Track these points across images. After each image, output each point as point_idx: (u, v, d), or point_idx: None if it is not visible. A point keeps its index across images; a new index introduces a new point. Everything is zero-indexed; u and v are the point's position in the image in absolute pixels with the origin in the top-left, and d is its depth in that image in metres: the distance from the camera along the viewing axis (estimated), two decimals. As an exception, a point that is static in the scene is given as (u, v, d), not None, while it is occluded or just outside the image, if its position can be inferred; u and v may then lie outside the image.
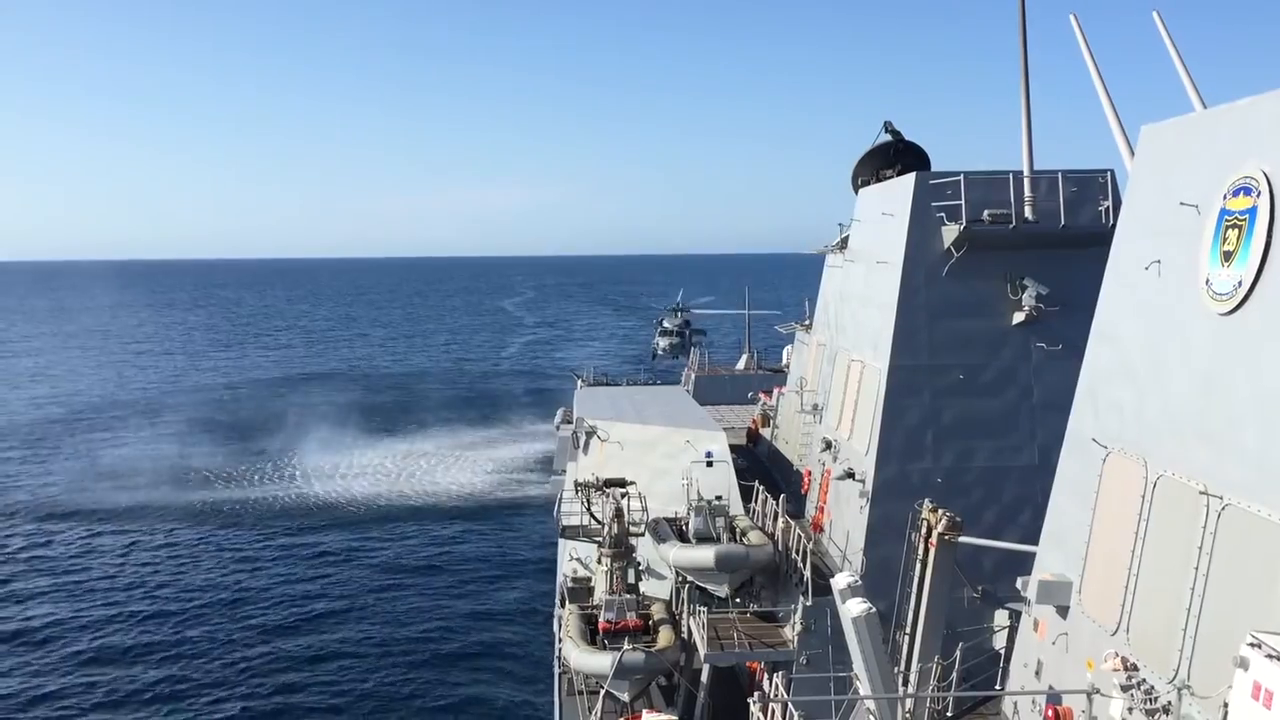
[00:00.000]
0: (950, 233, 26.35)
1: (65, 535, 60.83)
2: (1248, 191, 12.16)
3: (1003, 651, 19.28)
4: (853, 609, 16.21)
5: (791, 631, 25.07)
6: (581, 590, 30.22)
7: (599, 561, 29.50)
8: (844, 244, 34.12)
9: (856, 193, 33.74)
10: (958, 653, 18.77)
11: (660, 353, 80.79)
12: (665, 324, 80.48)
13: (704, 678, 25.66)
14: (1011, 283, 26.45)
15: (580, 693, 26.15)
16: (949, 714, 17.97)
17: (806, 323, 41.27)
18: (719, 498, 30.31)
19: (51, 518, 64.43)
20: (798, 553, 26.59)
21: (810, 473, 33.43)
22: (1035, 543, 17.33)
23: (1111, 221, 24.30)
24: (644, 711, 23.51)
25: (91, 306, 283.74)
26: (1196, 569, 12.43)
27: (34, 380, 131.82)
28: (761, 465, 41.07)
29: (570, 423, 42.32)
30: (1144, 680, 12.91)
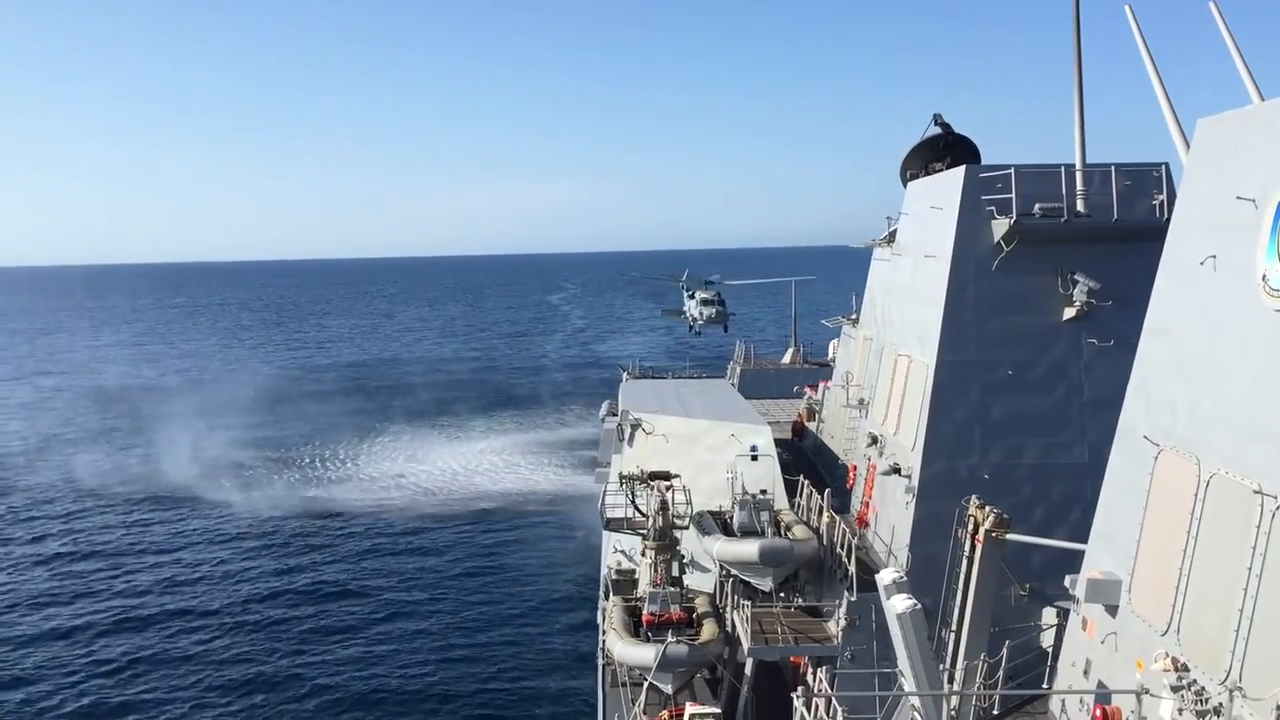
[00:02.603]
0: (1000, 226, 26.09)
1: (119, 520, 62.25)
2: (1307, 185, 11.93)
3: (1050, 650, 19.10)
4: (898, 605, 16.11)
5: (836, 627, 24.99)
6: (626, 582, 30.30)
7: (643, 554, 29.56)
8: (891, 238, 33.89)
9: (905, 186, 33.49)
10: (1004, 651, 18.60)
11: (701, 324, 79.08)
12: (701, 295, 78.67)
13: (748, 671, 25.65)
14: (1062, 277, 26.15)
15: (624, 684, 26.22)
16: (995, 712, 17.81)
17: (854, 317, 41.06)
18: (763, 491, 30.25)
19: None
20: (842, 548, 26.50)
21: (856, 467, 33.28)
22: (1084, 541, 17.15)
23: (1166, 216, 23.96)
24: (687, 704, 23.53)
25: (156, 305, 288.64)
26: (1249, 569, 12.24)
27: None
28: (806, 459, 40.95)
29: (615, 415, 42.44)
30: (1194, 681, 12.73)
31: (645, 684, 25.02)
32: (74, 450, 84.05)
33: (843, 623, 24.64)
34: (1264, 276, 12.60)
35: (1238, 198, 13.31)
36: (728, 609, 27.91)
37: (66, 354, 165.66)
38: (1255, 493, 12.35)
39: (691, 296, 78.83)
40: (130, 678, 40.62)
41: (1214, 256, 13.89)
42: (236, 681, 40.40)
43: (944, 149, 33.64)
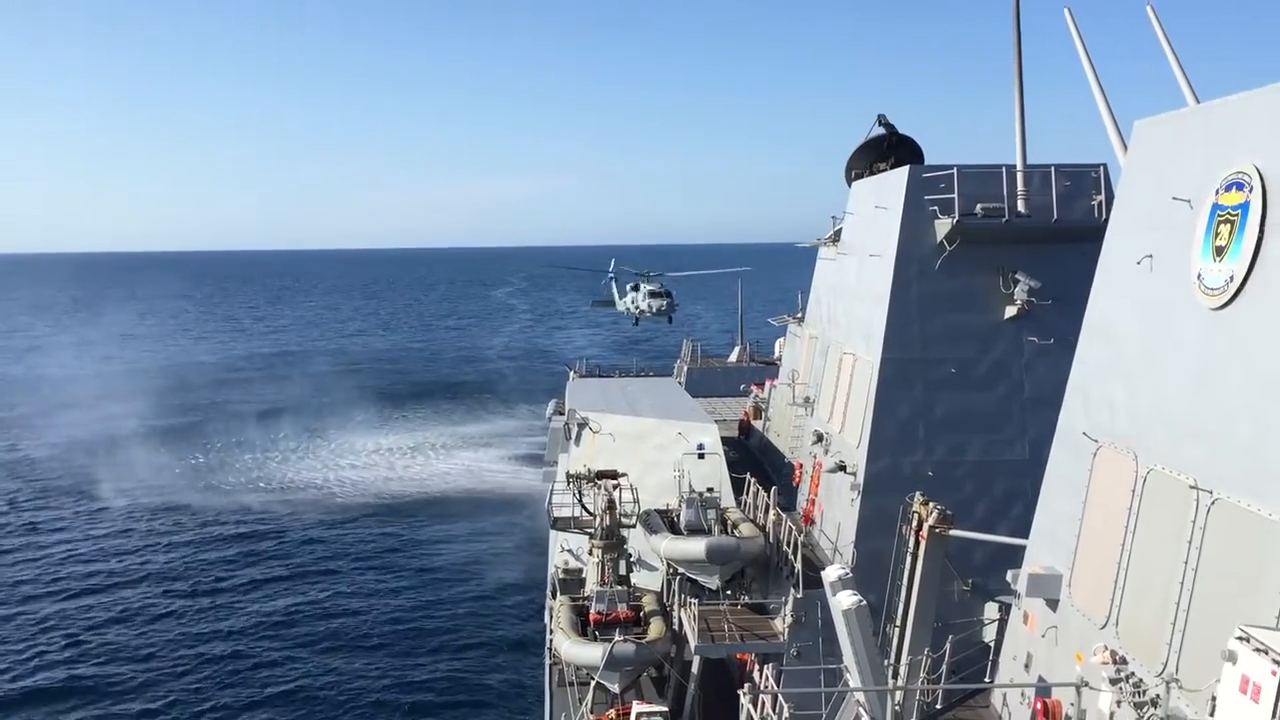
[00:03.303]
0: (943, 226, 26.36)
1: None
2: (1240, 186, 12.17)
3: (993, 644, 19.33)
4: (843, 601, 16.22)
5: (782, 624, 25.13)
6: (573, 582, 30.25)
7: (590, 553, 29.51)
8: (837, 237, 34.12)
9: (850, 185, 33.73)
10: (948, 645, 18.83)
11: (650, 315, 78.77)
12: (649, 287, 78.30)
13: (694, 669, 25.72)
14: (1004, 277, 26.48)
15: (571, 684, 26.17)
16: (938, 706, 18.01)
17: (799, 315, 41.29)
18: (710, 490, 30.32)
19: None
20: (789, 545, 26.63)
21: (802, 465, 33.46)
22: (1026, 536, 17.37)
23: (1104, 216, 24.35)
24: (634, 703, 23.53)
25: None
26: (1186, 563, 12.47)
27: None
28: (753, 457, 41.10)
29: (562, 414, 42.30)
30: (1133, 673, 12.94)
31: (592, 683, 25.00)
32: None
33: (789, 620, 24.79)
34: (1199, 276, 12.83)
35: (1173, 198, 13.55)
36: (675, 607, 27.96)
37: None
38: (1191, 488, 12.59)
39: (636, 289, 78.40)
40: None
41: (1150, 256, 14.13)
42: (161, 680, 39.85)
43: (888, 149, 33.94)
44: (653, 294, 77.13)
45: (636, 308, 78.09)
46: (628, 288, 79.49)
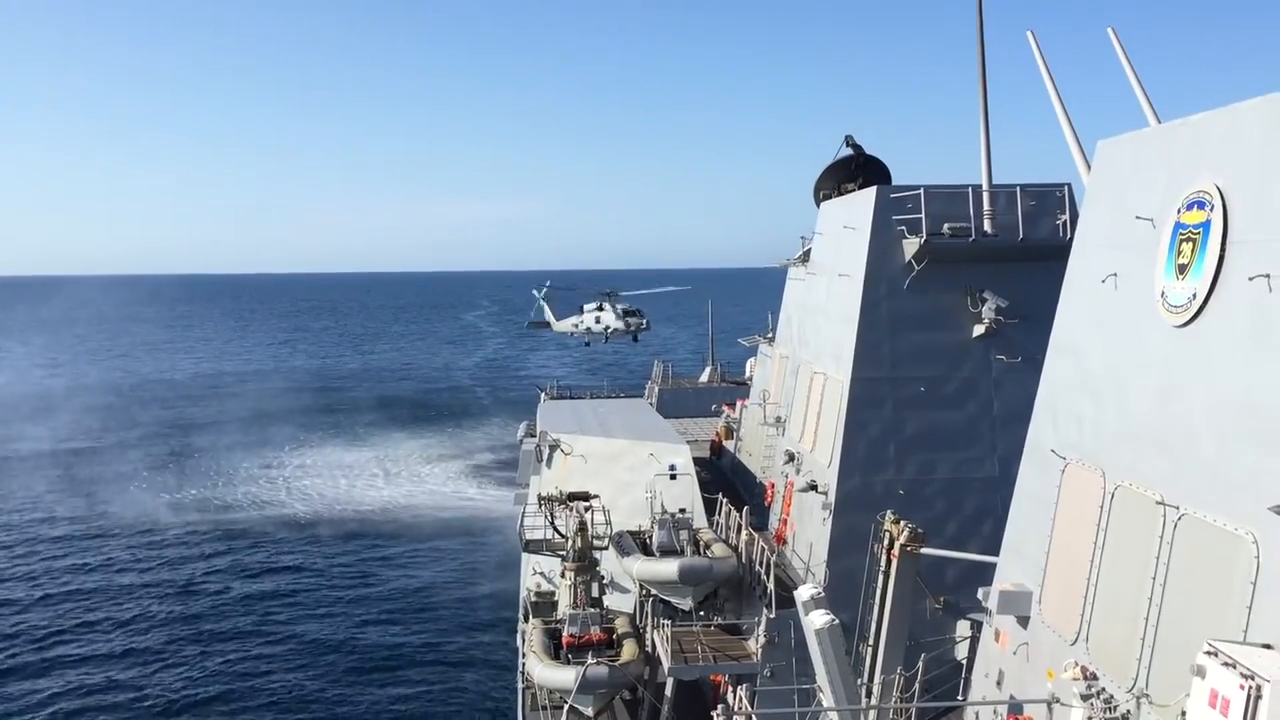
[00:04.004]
0: (911, 246, 26.57)
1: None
2: (1201, 205, 12.34)
3: (965, 662, 19.38)
4: (816, 621, 16.22)
5: (755, 644, 25.07)
6: (545, 605, 30.09)
7: (562, 575, 29.37)
8: (806, 257, 34.31)
9: (818, 206, 33.95)
10: (920, 663, 18.84)
11: (616, 336, 78.96)
12: (622, 307, 78.31)
13: (668, 691, 25.60)
14: (971, 295, 26.70)
15: (544, 707, 25.99)
16: (912, 725, 18.01)
17: (769, 335, 41.43)
18: (683, 510, 30.29)
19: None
20: (761, 565, 26.62)
21: (773, 485, 33.51)
22: (996, 553, 17.44)
23: (1069, 235, 24.62)
24: (608, 726, 23.42)
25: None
26: (1154, 578, 12.56)
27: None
28: (725, 478, 41.13)
29: (533, 436, 42.17)
30: (1103, 689, 13.01)
31: (566, 706, 24.84)
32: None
33: (762, 640, 24.73)
34: (1163, 294, 12.98)
35: (1137, 217, 13.72)
36: (648, 629, 27.85)
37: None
38: (1158, 503, 12.69)
39: (600, 309, 78.28)
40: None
41: (1115, 275, 14.28)
42: (124, 700, 39.37)
43: (856, 169, 34.24)
44: (627, 313, 77.28)
45: (603, 326, 77.84)
46: (588, 308, 79.22)
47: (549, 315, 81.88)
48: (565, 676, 24.67)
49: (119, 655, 44.42)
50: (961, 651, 20.16)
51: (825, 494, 27.36)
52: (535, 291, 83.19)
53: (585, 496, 30.39)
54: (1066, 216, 26.62)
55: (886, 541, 17.94)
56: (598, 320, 77.83)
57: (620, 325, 77.14)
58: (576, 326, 79.41)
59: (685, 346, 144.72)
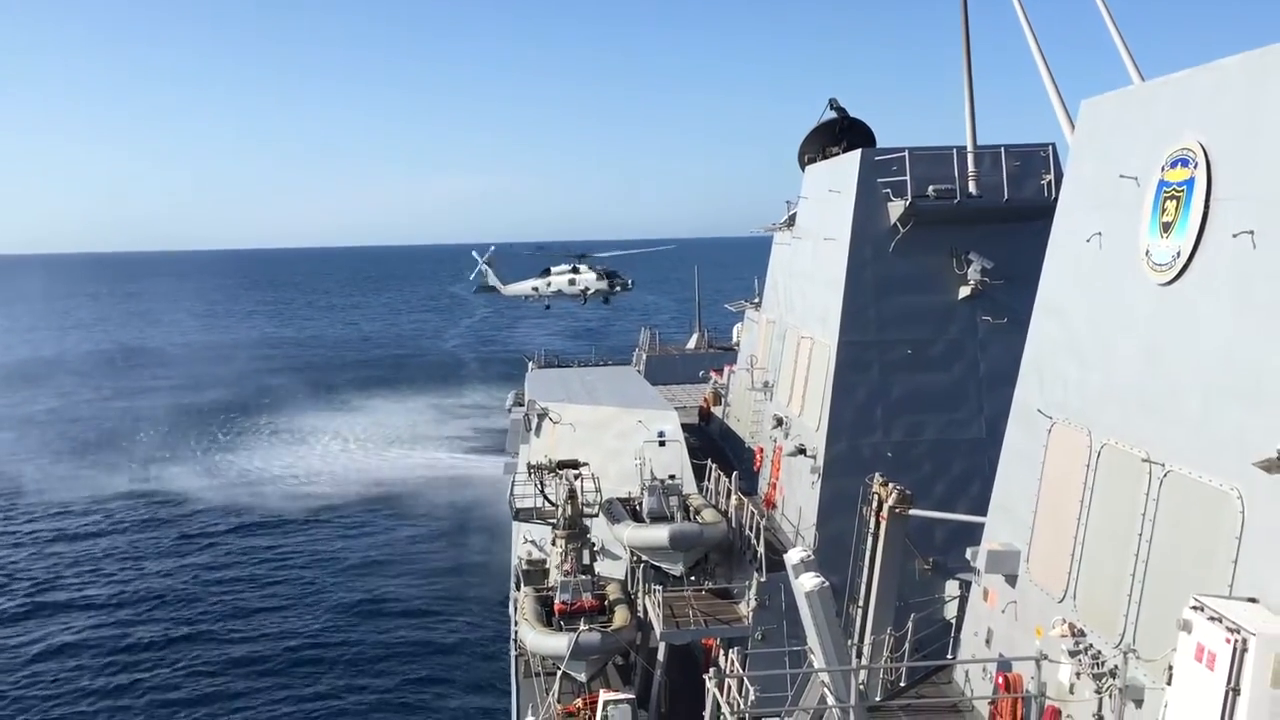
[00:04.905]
0: (896, 209, 26.53)
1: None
2: (1185, 163, 12.34)
3: (954, 621, 19.54)
4: (806, 584, 16.29)
5: (746, 608, 25.25)
6: (536, 573, 30.20)
7: (553, 543, 29.48)
8: (791, 221, 34.24)
9: (803, 170, 33.86)
10: (910, 624, 19.01)
11: (593, 295, 78.55)
12: (590, 269, 77.78)
13: (660, 656, 25.78)
14: (957, 257, 26.70)
15: (537, 674, 26.16)
16: (902, 684, 18.18)
17: (756, 300, 41.42)
18: (672, 477, 30.38)
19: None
20: (751, 529, 26.74)
21: (762, 450, 33.61)
22: (984, 514, 17.56)
23: (1054, 195, 24.60)
24: (601, 691, 23.57)
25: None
26: (1140, 535, 12.66)
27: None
28: (714, 443, 41.24)
29: (522, 405, 42.20)
30: (1091, 645, 13.14)
31: (559, 673, 24.99)
32: None
33: (753, 603, 24.90)
34: (1147, 252, 13.00)
35: (1120, 176, 13.71)
36: (639, 595, 28.00)
37: None
38: (1144, 461, 12.77)
39: (576, 270, 77.77)
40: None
41: (1100, 234, 14.29)
42: (112, 681, 39.38)
43: (840, 133, 34.10)
44: (608, 274, 76.92)
45: (579, 288, 77.01)
46: (556, 270, 78.50)
47: (494, 280, 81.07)
48: (558, 643, 24.81)
49: (94, 632, 44.51)
50: (950, 611, 20.32)
51: (814, 458, 27.46)
52: (476, 254, 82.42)
53: (575, 464, 30.45)
54: (1051, 176, 26.59)
55: (875, 504, 18.02)
56: (571, 282, 77.08)
57: (604, 285, 76.62)
58: (537, 290, 78.71)
59: (669, 312, 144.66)
